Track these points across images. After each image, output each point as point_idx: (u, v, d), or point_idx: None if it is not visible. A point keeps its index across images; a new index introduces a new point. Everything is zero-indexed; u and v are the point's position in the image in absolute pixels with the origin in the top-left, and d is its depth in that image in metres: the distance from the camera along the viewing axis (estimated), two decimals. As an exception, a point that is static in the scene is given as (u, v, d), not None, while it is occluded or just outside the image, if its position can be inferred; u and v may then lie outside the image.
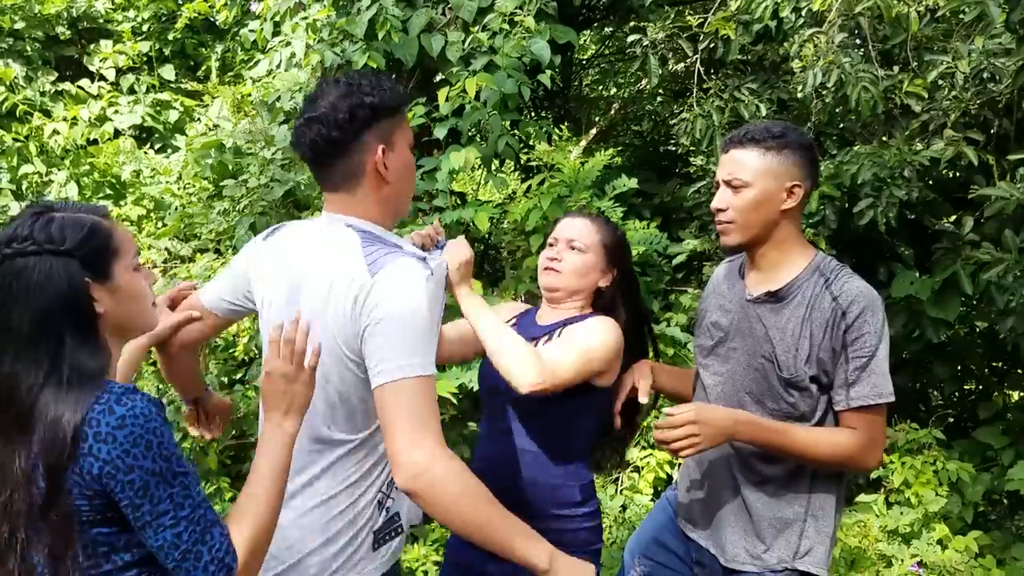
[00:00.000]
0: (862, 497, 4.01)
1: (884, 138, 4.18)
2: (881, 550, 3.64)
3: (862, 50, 4.07)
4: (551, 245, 2.27)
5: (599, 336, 2.10)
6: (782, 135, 2.00)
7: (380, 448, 1.79)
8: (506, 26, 4.44)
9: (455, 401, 3.86)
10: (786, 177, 1.99)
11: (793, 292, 2.01)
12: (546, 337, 2.19)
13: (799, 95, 4.19)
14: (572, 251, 2.22)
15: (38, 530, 1.33)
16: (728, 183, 2.04)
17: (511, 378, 1.92)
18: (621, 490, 3.94)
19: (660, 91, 7.21)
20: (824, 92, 4.08)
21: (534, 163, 4.80)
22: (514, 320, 2.33)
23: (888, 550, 3.63)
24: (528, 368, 1.90)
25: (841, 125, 4.60)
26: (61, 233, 1.39)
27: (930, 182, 4.29)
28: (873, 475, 4.10)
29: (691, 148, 4.97)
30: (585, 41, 8.10)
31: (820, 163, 2.16)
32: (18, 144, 5.80)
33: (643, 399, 2.25)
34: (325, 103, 1.73)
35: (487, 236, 4.90)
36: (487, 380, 2.26)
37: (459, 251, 2.00)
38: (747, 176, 2.00)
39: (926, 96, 3.80)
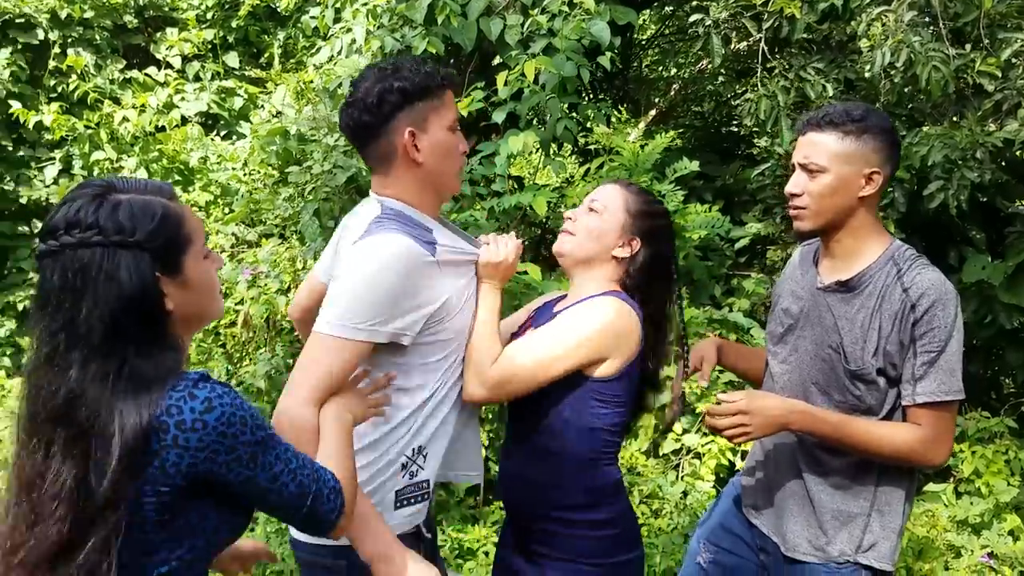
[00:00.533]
0: (931, 486, 3.93)
1: (955, 119, 4.06)
2: (950, 540, 3.57)
3: (932, 28, 3.95)
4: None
5: (581, 324, 1.92)
6: (862, 119, 1.91)
7: (404, 412, 1.83)
8: (565, 8, 4.41)
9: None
10: (864, 163, 1.92)
11: (864, 282, 1.95)
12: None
13: (867, 75, 4.10)
14: (589, 213, 2.04)
15: (86, 534, 1.23)
16: (804, 167, 1.97)
17: (463, 382, 1.92)
18: (682, 476, 3.92)
19: (722, 71, 7.10)
20: (893, 72, 3.98)
21: (593, 146, 4.77)
22: (533, 311, 2.20)
23: (957, 540, 3.56)
24: (474, 379, 1.89)
25: (911, 105, 4.49)
26: (131, 222, 1.26)
27: (1003, 164, 4.17)
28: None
29: (755, 129, 4.90)
30: (645, 21, 8.01)
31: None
32: (89, 131, 5.96)
33: (703, 382, 2.21)
34: (362, 88, 1.81)
35: (545, 220, 4.89)
36: None
37: (494, 252, 1.95)
38: (824, 160, 1.93)
39: (999, 75, 3.68)
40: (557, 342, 1.91)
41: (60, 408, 1.25)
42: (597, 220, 2.03)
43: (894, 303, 1.88)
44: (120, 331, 1.26)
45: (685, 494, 3.78)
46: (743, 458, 3.84)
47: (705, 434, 3.95)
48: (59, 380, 1.25)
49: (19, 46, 6.37)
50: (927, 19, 3.97)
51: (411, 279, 1.75)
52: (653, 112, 7.86)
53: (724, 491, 2.46)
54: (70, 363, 1.25)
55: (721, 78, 7.38)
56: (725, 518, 2.34)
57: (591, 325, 1.91)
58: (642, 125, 7.40)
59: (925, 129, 4.02)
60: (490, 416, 3.94)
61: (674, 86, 8.23)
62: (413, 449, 1.85)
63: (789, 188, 2.00)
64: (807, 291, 2.08)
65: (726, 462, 3.88)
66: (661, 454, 4.01)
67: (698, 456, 3.96)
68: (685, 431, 3.98)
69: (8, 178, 6.41)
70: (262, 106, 6.43)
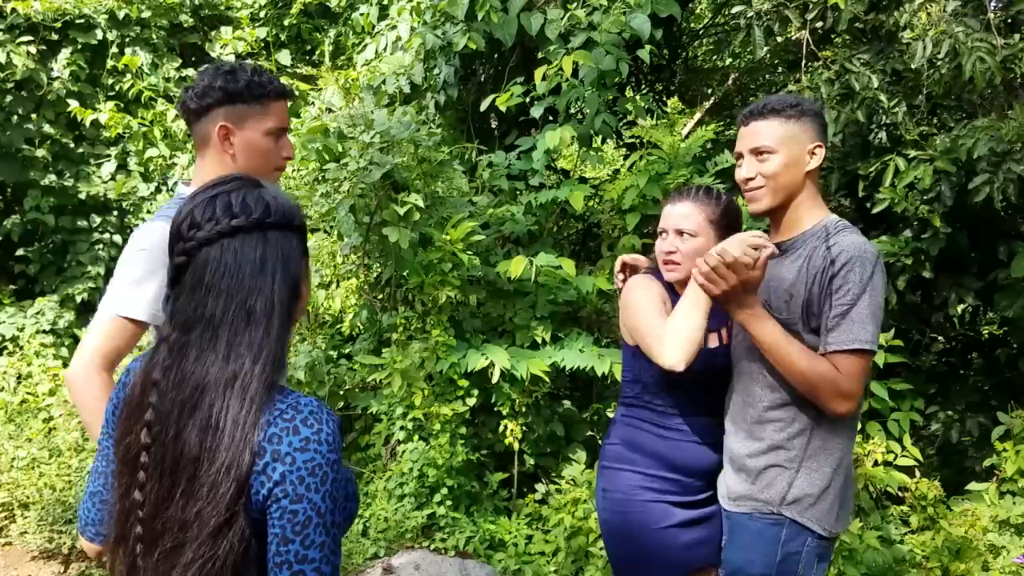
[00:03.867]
0: (973, 485, 3.84)
1: (1005, 110, 3.94)
2: (991, 540, 3.49)
3: (982, 17, 3.84)
4: (662, 235, 2.32)
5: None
6: (798, 104, 2.15)
7: None
8: (605, 2, 4.39)
9: (547, 379, 3.89)
10: (807, 140, 2.13)
11: (797, 246, 2.13)
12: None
13: (913, 66, 4.00)
14: (682, 238, 2.28)
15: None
16: (755, 152, 2.15)
17: None
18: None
19: (778, 61, 6.99)
20: (938, 63, 3.89)
21: (635, 140, 4.74)
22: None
23: (999, 540, 3.48)
24: None
25: (960, 96, 4.37)
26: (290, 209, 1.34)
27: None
28: (986, 463, 3.93)
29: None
30: (701, 9, 7.91)
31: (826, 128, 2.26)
32: (144, 129, 6.13)
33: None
34: (199, 78, 2.06)
35: (585, 215, 4.89)
36: None
37: None
38: (773, 143, 2.13)
39: (1050, 64, 3.58)
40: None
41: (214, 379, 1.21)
42: (694, 244, 2.27)
43: (818, 260, 2.05)
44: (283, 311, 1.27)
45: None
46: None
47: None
48: (219, 356, 1.22)
49: (79, 46, 6.56)
50: (973, 9, 3.86)
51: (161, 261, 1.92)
52: (707, 104, 7.76)
53: None
54: (238, 343, 1.22)
55: (779, 68, 7.26)
56: None
57: None
58: (697, 115, 7.31)
59: (975, 121, 3.92)
60: (523, 409, 3.96)
61: (731, 76, 8.11)
62: None
63: (743, 175, 2.19)
64: None
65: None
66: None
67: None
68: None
69: (68, 174, 6.61)
70: (312, 103, 6.54)
